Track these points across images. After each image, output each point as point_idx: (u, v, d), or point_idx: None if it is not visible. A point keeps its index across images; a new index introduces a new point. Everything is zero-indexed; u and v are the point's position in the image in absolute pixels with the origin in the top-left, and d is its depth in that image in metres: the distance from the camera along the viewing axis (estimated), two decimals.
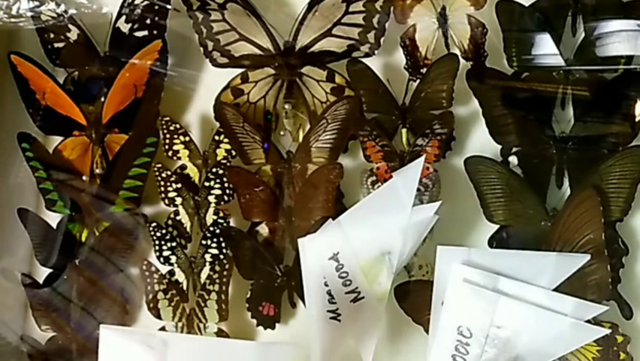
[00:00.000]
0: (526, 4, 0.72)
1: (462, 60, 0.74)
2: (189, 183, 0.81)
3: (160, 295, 0.79)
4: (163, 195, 0.80)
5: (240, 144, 0.78)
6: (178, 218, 0.80)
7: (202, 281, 0.78)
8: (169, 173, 0.80)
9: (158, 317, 0.80)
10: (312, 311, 0.70)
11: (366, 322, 0.69)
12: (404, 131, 0.75)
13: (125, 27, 0.82)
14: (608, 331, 0.64)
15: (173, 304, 0.79)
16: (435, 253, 0.67)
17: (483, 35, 0.73)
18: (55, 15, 0.82)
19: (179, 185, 0.80)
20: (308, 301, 0.71)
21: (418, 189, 0.68)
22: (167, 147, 0.81)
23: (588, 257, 0.64)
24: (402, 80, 0.77)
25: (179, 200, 0.80)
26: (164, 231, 0.80)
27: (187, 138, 0.81)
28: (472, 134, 0.76)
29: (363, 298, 0.69)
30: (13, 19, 0.82)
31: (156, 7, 0.81)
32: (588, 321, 0.66)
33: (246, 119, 0.78)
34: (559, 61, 0.72)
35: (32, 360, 0.83)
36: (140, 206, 0.82)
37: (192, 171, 0.81)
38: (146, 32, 0.82)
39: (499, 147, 0.73)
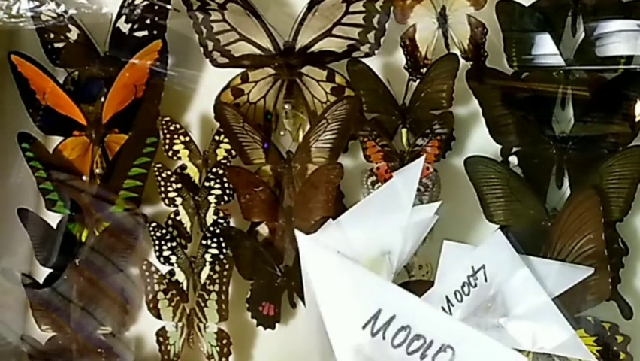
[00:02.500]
0: (526, 4, 0.72)
1: (462, 60, 0.74)
2: (189, 183, 0.81)
3: (160, 295, 0.79)
4: (163, 195, 0.80)
5: (240, 144, 0.78)
6: (178, 218, 0.80)
7: (202, 281, 0.78)
8: (169, 173, 0.80)
9: (158, 316, 0.80)
10: (312, 311, 0.70)
11: None
12: (404, 131, 0.75)
13: (125, 27, 0.82)
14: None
15: (173, 304, 0.79)
16: (434, 253, 0.67)
17: (483, 35, 0.73)
18: (55, 15, 0.82)
19: (179, 185, 0.80)
20: (308, 301, 0.70)
21: (418, 189, 0.68)
22: (167, 147, 0.81)
23: (592, 270, 0.64)
24: (402, 80, 0.77)
25: (179, 200, 0.80)
26: (164, 231, 0.80)
27: (187, 138, 0.81)
28: (472, 134, 0.76)
29: None
30: (13, 19, 0.82)
31: (156, 7, 0.81)
32: (588, 321, 0.66)
33: (246, 119, 0.78)
34: (559, 61, 0.72)
35: (32, 360, 0.83)
36: (140, 206, 0.82)
37: (192, 171, 0.81)
38: (146, 32, 0.82)
39: (499, 147, 0.73)
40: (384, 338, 0.51)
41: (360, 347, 0.52)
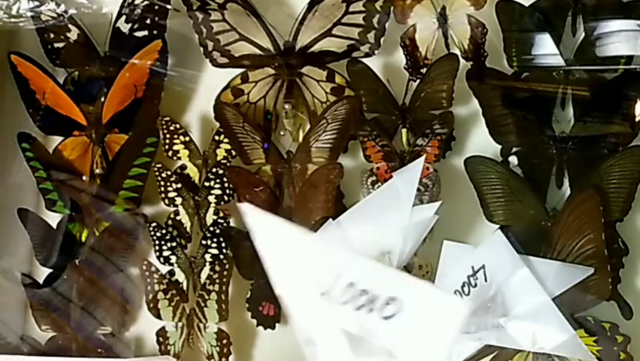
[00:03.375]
0: (526, 4, 0.72)
1: (462, 60, 0.74)
2: (189, 183, 0.81)
3: (160, 295, 0.79)
4: (163, 195, 0.80)
5: (240, 144, 0.78)
6: (178, 218, 0.80)
7: (202, 281, 0.78)
8: (169, 173, 0.80)
9: (158, 316, 0.80)
10: None
11: None
12: (404, 131, 0.75)
13: (125, 27, 0.82)
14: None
15: (173, 304, 0.79)
16: (434, 253, 0.67)
17: (483, 35, 0.73)
18: (55, 15, 0.82)
19: (179, 185, 0.80)
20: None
21: (418, 189, 0.68)
22: (167, 147, 0.81)
23: (592, 270, 0.64)
24: (402, 80, 0.76)
25: (179, 200, 0.80)
26: (164, 231, 0.80)
27: (187, 138, 0.81)
28: (472, 134, 0.76)
29: None
30: (13, 19, 0.82)
31: (156, 7, 0.81)
32: (588, 321, 0.66)
33: (246, 119, 0.78)
34: (559, 61, 0.72)
35: None
36: (140, 206, 0.82)
37: (192, 171, 0.81)
38: (146, 32, 0.82)
39: (499, 147, 0.73)
40: (333, 297, 0.51)
41: (312, 307, 0.53)
